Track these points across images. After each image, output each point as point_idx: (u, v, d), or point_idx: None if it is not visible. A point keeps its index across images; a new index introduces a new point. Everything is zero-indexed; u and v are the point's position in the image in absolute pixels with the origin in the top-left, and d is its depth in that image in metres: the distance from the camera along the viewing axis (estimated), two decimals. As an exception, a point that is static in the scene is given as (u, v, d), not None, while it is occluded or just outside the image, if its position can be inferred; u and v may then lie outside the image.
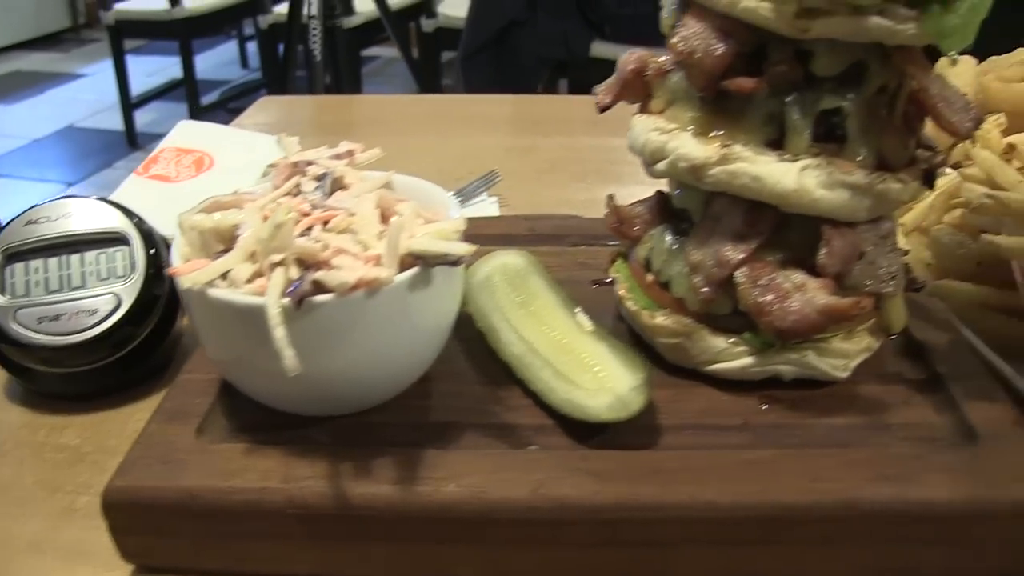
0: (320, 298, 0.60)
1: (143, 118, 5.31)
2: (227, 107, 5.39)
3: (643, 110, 0.72)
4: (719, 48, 0.63)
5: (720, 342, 0.69)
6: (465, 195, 1.21)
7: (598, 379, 0.67)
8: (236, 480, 0.62)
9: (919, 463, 0.60)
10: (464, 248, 0.62)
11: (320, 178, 0.74)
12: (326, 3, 2.29)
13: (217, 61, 6.37)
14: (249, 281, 0.62)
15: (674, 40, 0.65)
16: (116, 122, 5.12)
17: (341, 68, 2.67)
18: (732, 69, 0.64)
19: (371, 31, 4.50)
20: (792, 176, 0.62)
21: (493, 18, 3.53)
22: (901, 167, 0.67)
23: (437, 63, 4.32)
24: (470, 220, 0.98)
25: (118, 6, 4.69)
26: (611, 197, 0.78)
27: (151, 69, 5.89)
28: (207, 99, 5.51)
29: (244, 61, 6.12)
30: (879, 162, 0.66)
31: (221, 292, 0.62)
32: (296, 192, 0.74)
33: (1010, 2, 0.73)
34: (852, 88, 0.64)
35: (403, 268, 0.62)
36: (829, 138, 0.65)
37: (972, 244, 0.89)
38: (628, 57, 0.72)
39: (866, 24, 0.58)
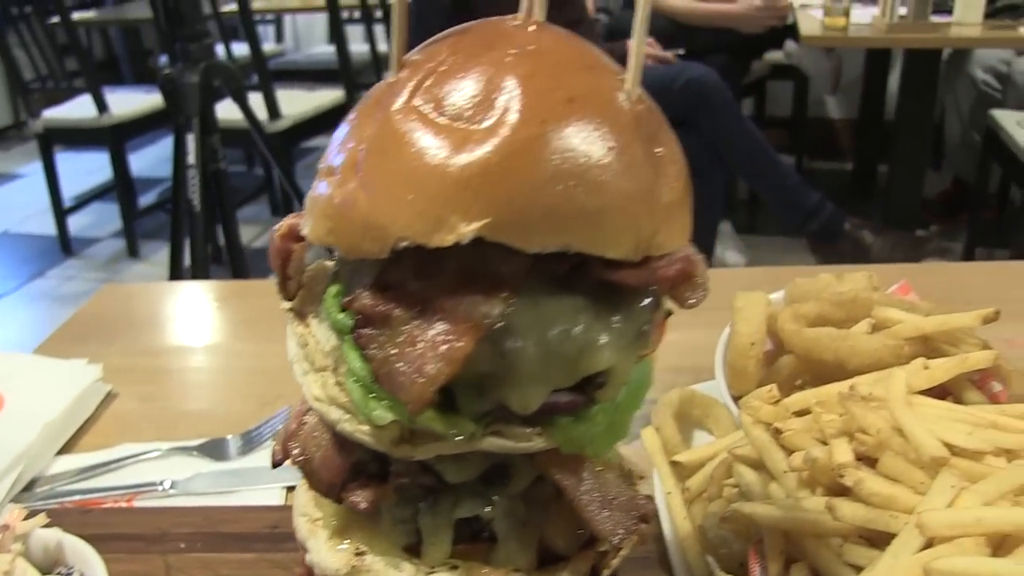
0: None
1: (80, 221, 5.25)
2: (165, 207, 5.32)
3: (306, 475, 0.65)
4: (335, 460, 0.55)
5: None
6: (253, 441, 1.13)
7: None
8: None
9: None
10: None
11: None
12: (205, 148, 2.22)
13: (161, 155, 6.32)
14: None
15: (290, 443, 0.58)
16: (50, 227, 5.04)
17: (227, 214, 2.59)
18: (360, 472, 0.56)
19: (303, 129, 4.48)
20: (421, 601, 0.55)
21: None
22: (576, 551, 0.59)
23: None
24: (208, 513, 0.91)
25: (46, 113, 4.65)
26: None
27: (92, 167, 5.83)
28: (145, 199, 5.46)
29: (186, 156, 6.08)
30: (545, 554, 0.58)
31: None
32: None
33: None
34: (498, 488, 0.56)
35: None
36: (480, 538, 0.57)
37: (735, 544, 0.82)
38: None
39: (480, 444, 0.51)
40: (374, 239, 0.47)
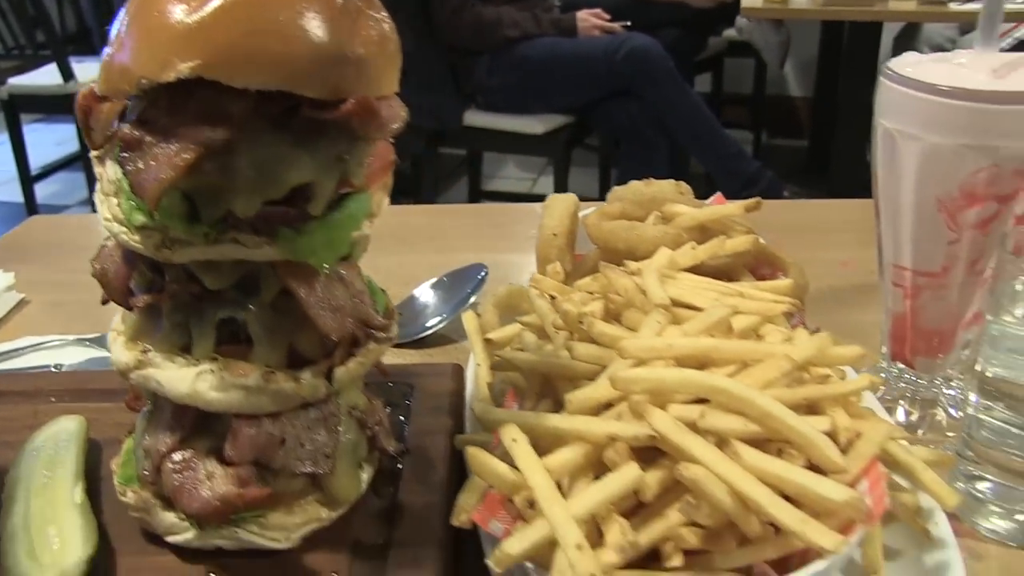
0: None
1: (47, 189, 5.36)
2: (131, 175, 5.42)
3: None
4: (122, 270, 0.71)
5: (171, 517, 0.76)
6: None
7: (54, 554, 0.74)
8: None
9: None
10: None
11: None
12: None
13: (130, 126, 6.42)
14: None
15: (94, 263, 0.73)
16: (17, 194, 5.15)
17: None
18: (152, 285, 0.72)
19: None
20: (187, 382, 0.70)
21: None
22: (321, 357, 0.74)
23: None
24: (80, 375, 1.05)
25: (12, 80, 4.76)
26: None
27: (61, 137, 5.94)
28: (113, 167, 5.55)
29: (157, 126, 6.20)
30: (294, 357, 0.74)
31: None
32: None
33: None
34: (251, 297, 0.72)
35: None
36: (238, 340, 0.72)
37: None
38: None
39: (222, 250, 0.67)
40: (126, 80, 0.62)
